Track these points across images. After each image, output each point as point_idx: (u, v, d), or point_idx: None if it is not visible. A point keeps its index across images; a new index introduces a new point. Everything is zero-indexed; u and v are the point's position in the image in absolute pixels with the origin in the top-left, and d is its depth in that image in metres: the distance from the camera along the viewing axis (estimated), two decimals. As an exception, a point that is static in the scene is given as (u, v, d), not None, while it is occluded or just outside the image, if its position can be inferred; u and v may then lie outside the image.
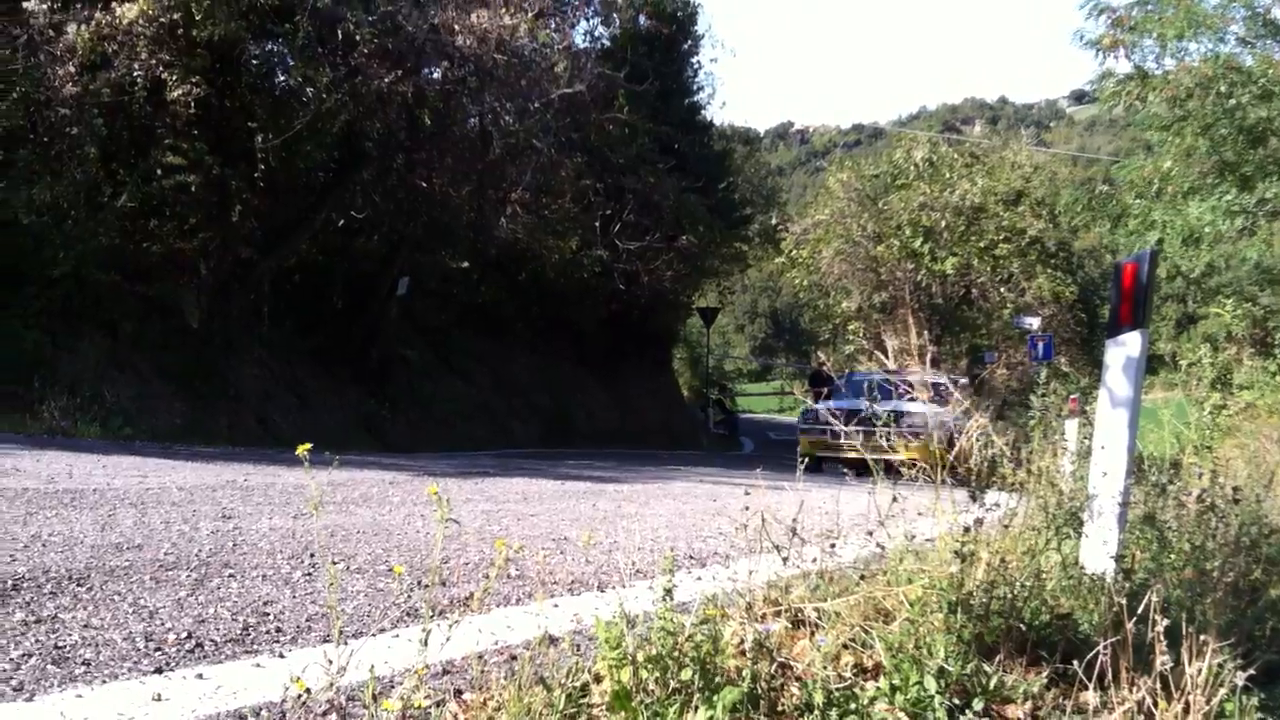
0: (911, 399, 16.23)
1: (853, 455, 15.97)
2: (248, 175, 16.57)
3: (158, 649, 2.87)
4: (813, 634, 2.90)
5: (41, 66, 13.27)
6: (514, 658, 2.92)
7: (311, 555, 4.27)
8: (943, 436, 14.34)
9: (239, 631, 3.10)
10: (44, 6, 13.39)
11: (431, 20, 16.03)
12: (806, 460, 16.65)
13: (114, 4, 13.67)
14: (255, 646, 2.98)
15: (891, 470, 3.65)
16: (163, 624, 3.11)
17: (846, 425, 15.87)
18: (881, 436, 15.96)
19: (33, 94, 13.24)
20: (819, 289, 25.62)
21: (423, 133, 17.90)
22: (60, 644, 2.84)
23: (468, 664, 2.82)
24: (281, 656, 2.88)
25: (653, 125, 25.09)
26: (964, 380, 17.74)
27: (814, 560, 3.24)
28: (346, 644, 2.35)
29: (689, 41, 29.94)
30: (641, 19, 27.67)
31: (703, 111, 31.03)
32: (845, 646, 2.84)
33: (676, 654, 2.54)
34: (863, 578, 3.25)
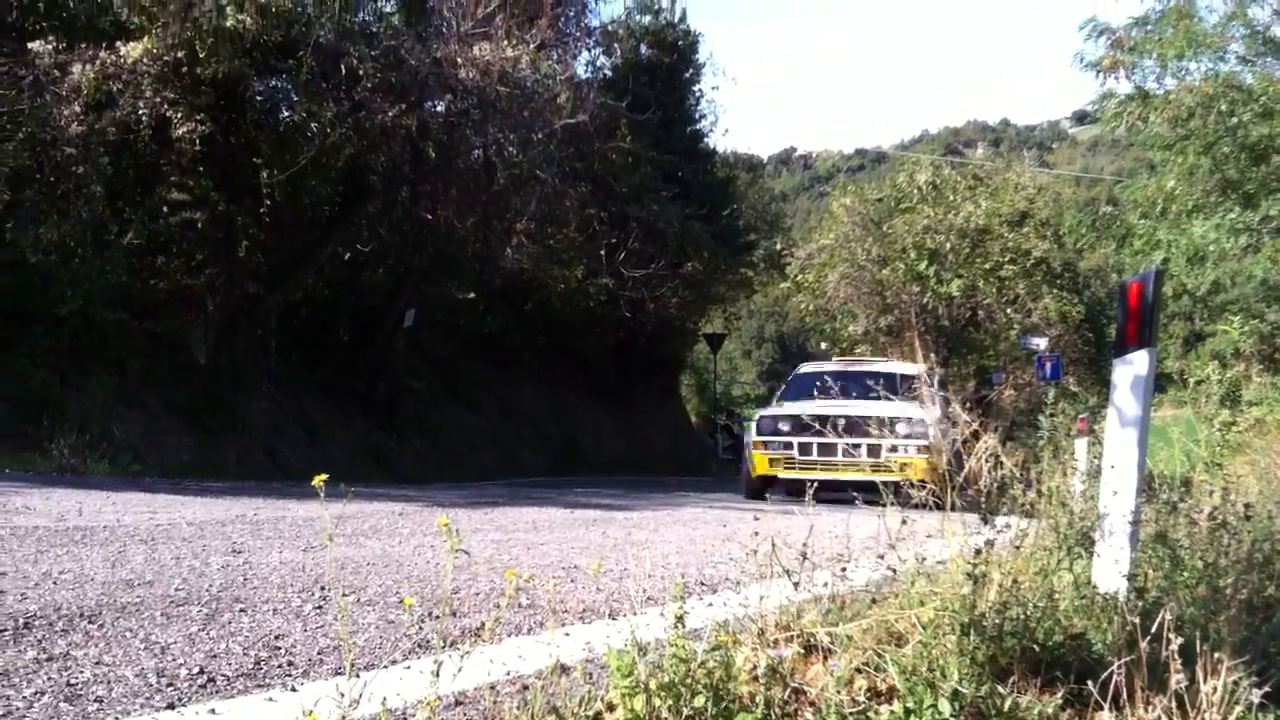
0: (906, 400, 13.03)
1: (833, 475, 11.84)
2: (253, 211, 16.66)
3: (170, 685, 2.87)
4: (825, 658, 2.89)
5: (47, 107, 13.38)
6: (526, 687, 2.91)
7: (322, 588, 4.27)
8: (949, 449, 12.60)
9: (251, 666, 3.10)
10: (49, 47, 13.51)
11: (434, 54, 16.14)
12: (761, 483, 13.10)
13: (118, 43, 13.79)
14: (267, 680, 2.97)
15: (898, 493, 3.58)
16: (174, 660, 3.11)
17: (821, 433, 12.08)
18: (866, 451, 12.00)
19: (39, 134, 13.35)
20: (825, 313, 25.55)
21: (427, 165, 17.97)
22: (72, 681, 2.83)
23: (480, 694, 2.82)
24: (294, 690, 2.88)
25: (656, 154, 25.18)
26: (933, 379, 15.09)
27: (825, 584, 3.23)
28: (359, 676, 2.35)
29: (690, 70, 30.06)
30: (643, 49, 27.82)
31: (705, 139, 31.15)
32: (858, 670, 2.82)
33: (689, 681, 2.54)
34: (874, 601, 3.23)
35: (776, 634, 3.00)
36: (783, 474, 12.97)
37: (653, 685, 2.52)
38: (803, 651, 2.98)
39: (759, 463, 13.12)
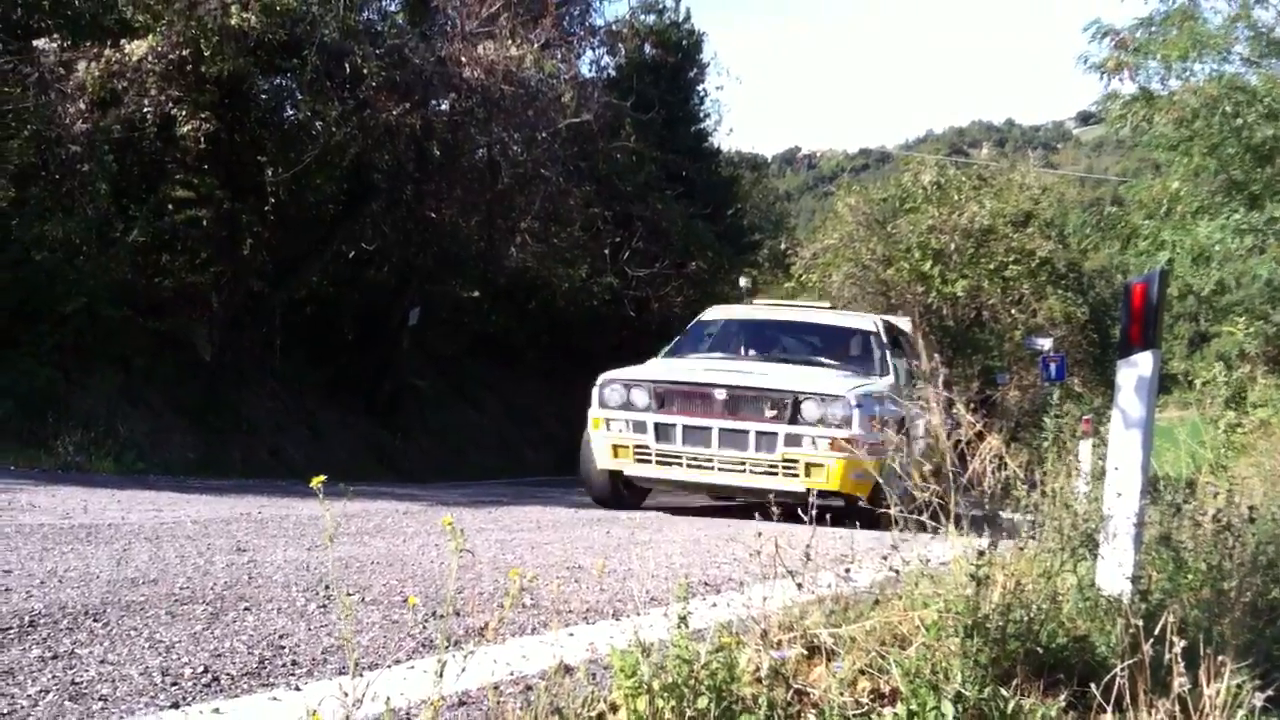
0: (845, 368, 9.75)
1: (703, 478, 8.94)
2: (258, 209, 16.68)
3: (174, 684, 2.87)
4: (829, 660, 2.89)
5: (52, 104, 13.39)
6: (529, 688, 2.92)
7: (326, 587, 4.27)
8: (908, 441, 7.42)
9: (255, 665, 3.11)
10: (54, 45, 13.52)
11: (439, 53, 16.15)
12: (611, 481, 9.36)
13: (123, 41, 13.80)
14: (271, 680, 2.98)
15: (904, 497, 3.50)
16: (179, 658, 3.12)
17: (692, 411, 9.02)
18: (755, 443, 8.88)
19: (44, 132, 13.36)
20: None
21: (431, 164, 17.99)
22: (77, 680, 2.84)
23: (483, 694, 2.82)
24: (297, 689, 2.88)
25: (660, 153, 25.18)
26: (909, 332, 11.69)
27: (829, 586, 3.23)
28: (362, 676, 2.35)
29: (695, 69, 30.05)
30: (647, 48, 27.78)
31: (710, 138, 31.15)
32: (862, 672, 2.83)
33: (692, 682, 2.54)
34: (878, 602, 3.24)
35: (780, 635, 3.00)
36: (632, 470, 9.09)
37: (656, 686, 2.52)
38: (806, 653, 2.98)
39: (600, 450, 9.17)
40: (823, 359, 10.00)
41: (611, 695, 2.63)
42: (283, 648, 3.31)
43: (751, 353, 10.35)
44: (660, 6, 29.08)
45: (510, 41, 16.60)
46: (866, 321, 10.70)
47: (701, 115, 30.64)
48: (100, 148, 13.60)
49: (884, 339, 10.11)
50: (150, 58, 13.84)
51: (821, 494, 7.73)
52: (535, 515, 8.30)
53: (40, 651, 3.09)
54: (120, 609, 3.67)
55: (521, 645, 3.48)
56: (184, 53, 13.97)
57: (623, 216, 23.63)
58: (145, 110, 14.26)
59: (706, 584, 4.95)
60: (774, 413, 8.57)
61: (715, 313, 11.70)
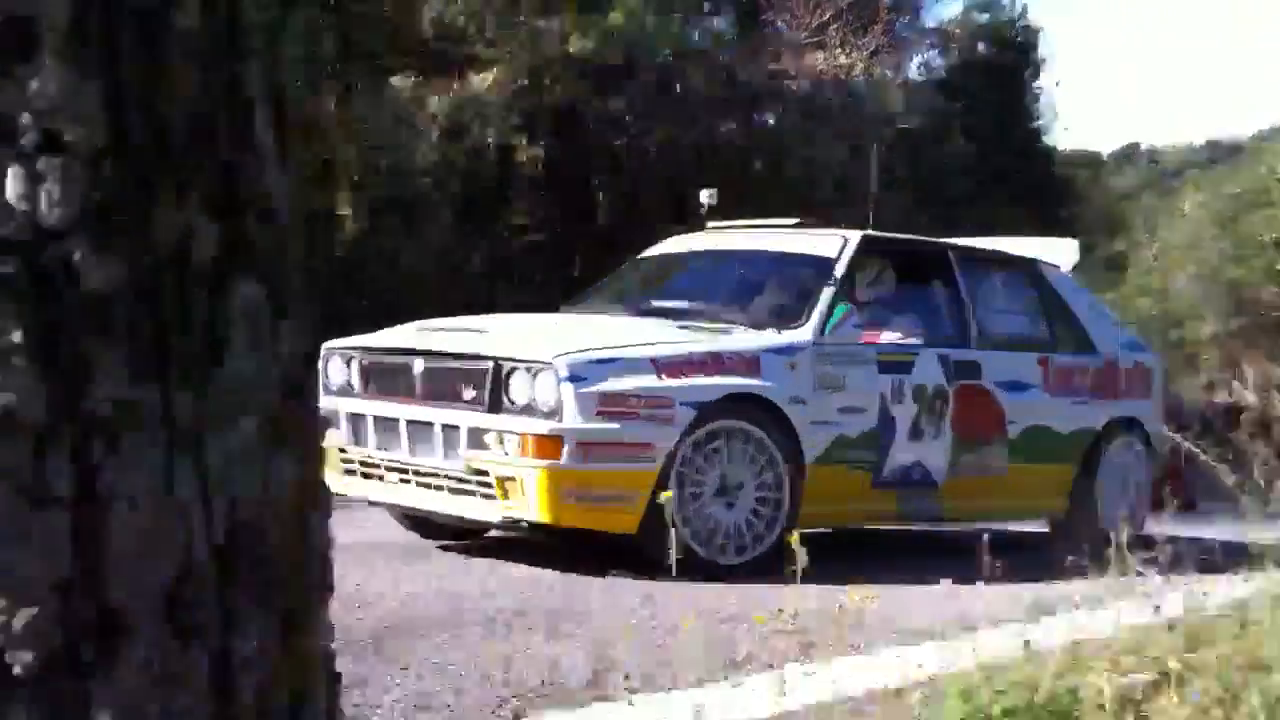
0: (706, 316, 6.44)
1: (392, 496, 5.73)
2: (588, 229, 17.28)
3: (514, 695, 3.00)
4: (1180, 687, 2.72)
5: (404, 138, 14.38)
6: (859, 710, 2.87)
7: (656, 604, 4.35)
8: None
9: (590, 678, 3.21)
10: (409, 82, 14.53)
11: (766, 67, 16.33)
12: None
13: (469, 74, 14.67)
14: (606, 693, 3.06)
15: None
16: (519, 670, 3.26)
17: (390, 394, 5.88)
18: (443, 443, 5.60)
19: (398, 165, 14.38)
20: (1169, 318, 24.06)
21: (753, 176, 18.14)
22: (424, 690, 3.02)
23: (809, 713, 2.80)
24: (630, 704, 2.95)
25: (989, 154, 24.45)
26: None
27: (1184, 608, 3.04)
28: (686, 691, 2.37)
29: (1029, 67, 28.98)
30: (980, 47, 27.03)
31: (1043, 138, 29.97)
32: (1217, 701, 2.64)
33: (1033, 707, 2.44)
34: (1243, 625, 3.02)
35: (1127, 660, 2.84)
36: (340, 484, 5.65)
37: (996, 711, 2.44)
38: (1155, 679, 2.81)
39: (330, 458, 5.85)
40: (716, 305, 6.70)
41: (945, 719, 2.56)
42: (617, 662, 3.39)
43: (650, 303, 6.98)
44: (995, 3, 28.22)
45: (839, 50, 16.59)
46: (828, 244, 6.98)
47: (1034, 114, 29.54)
48: (447, 179, 14.50)
49: (844, 270, 6.50)
50: (494, 89, 14.66)
51: (530, 526, 5.21)
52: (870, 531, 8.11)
53: (392, 662, 3.29)
54: (465, 624, 3.86)
55: (850, 664, 3.43)
56: (524, 82, 14.71)
57: (947, 220, 23.10)
58: (488, 140, 15.07)
59: (1039, 609, 4.74)
60: (473, 393, 5.35)
61: (658, 247, 8.44)
